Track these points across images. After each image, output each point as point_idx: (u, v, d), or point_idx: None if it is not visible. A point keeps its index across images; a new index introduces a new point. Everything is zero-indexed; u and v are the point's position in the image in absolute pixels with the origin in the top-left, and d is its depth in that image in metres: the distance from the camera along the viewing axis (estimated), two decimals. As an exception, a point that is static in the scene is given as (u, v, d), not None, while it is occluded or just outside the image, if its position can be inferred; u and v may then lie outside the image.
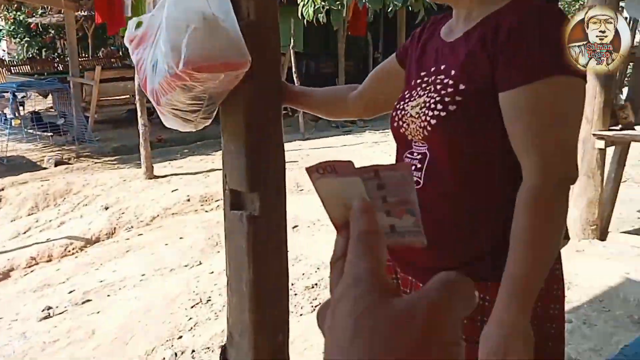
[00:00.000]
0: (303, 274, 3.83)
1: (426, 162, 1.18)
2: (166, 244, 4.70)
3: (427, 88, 1.20)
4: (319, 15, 8.10)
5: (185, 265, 4.21)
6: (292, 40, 8.85)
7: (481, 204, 1.16)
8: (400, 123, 1.25)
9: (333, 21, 8.46)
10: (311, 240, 4.52)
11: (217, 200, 5.69)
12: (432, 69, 1.22)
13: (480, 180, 1.15)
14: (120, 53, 18.33)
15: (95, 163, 7.58)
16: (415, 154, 1.22)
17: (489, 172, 1.15)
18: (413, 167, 1.20)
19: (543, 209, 1.05)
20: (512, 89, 1.06)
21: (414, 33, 1.40)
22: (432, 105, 1.15)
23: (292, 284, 3.72)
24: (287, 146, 5.81)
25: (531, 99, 1.04)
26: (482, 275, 1.14)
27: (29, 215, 5.71)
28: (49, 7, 14.52)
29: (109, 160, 7.73)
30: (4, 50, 20.45)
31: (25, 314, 3.66)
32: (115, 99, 9.98)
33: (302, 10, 8.12)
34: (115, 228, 5.23)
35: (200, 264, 4.24)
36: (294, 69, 8.68)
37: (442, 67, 1.19)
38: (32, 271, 4.46)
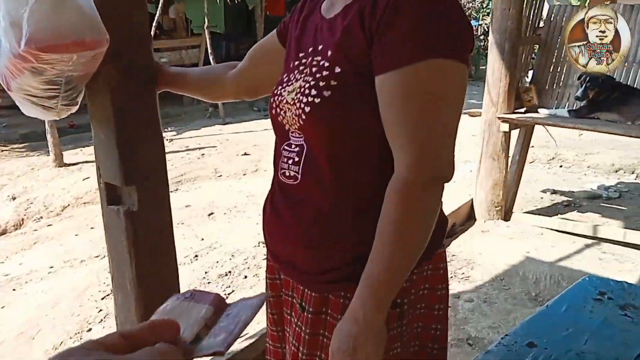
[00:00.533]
0: (217, 261, 3.85)
1: (304, 155, 1.07)
2: (76, 235, 4.58)
3: (304, 71, 1.08)
4: (235, -6, 7.95)
5: (96, 256, 4.13)
6: (206, 20, 8.64)
7: (363, 198, 1.06)
8: (278, 110, 1.12)
9: (248, 0, 8.33)
10: (227, 227, 4.54)
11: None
12: (310, 49, 1.10)
13: (360, 172, 1.05)
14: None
15: (2, 151, 7.20)
16: (293, 146, 1.10)
17: (368, 164, 1.04)
18: (291, 161, 1.09)
19: (409, 205, 0.96)
20: (385, 72, 0.95)
21: (295, 8, 1.25)
22: (307, 91, 1.03)
23: (206, 272, 3.74)
24: (207, 131, 5.87)
25: (404, 84, 0.93)
26: (358, 277, 1.05)
27: None
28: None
29: (16, 148, 7.36)
30: None
31: None
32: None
33: (215, -11, 7.95)
34: (23, 219, 5.03)
35: (113, 254, 4.17)
36: (210, 51, 8.51)
37: (320, 47, 1.07)
38: None
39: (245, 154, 6.89)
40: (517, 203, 4.65)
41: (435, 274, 1.14)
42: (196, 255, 4.02)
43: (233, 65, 1.43)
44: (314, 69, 1.05)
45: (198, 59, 9.76)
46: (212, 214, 4.88)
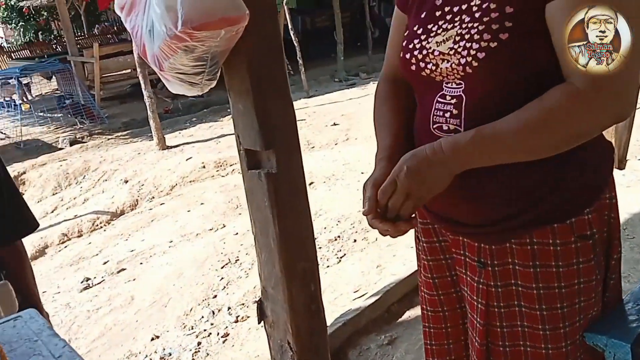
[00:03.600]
0: (325, 227, 4.00)
1: (463, 106, 1.02)
2: (188, 211, 4.88)
3: (457, 19, 1.02)
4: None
5: (210, 229, 4.40)
6: (283, -3, 8.75)
7: None
8: (423, 65, 1.06)
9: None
10: (329, 195, 4.68)
11: (231, 165, 5.84)
12: None
13: None
14: (115, 28, 18.23)
15: (108, 139, 7.73)
16: (447, 97, 1.04)
17: None
18: (448, 114, 1.04)
19: (571, 110, 0.90)
20: None
21: None
22: (477, 37, 0.97)
23: (316, 238, 3.88)
24: (294, 105, 5.80)
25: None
26: (544, 218, 1.03)
27: (54, 194, 5.90)
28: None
29: (120, 136, 7.88)
30: (2, 38, 20.36)
31: (66, 286, 3.88)
32: (118, 74, 10.04)
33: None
34: (137, 200, 5.41)
35: (224, 226, 4.43)
36: (290, 26, 8.60)
37: None
38: (65, 247, 4.68)
39: (334, 124, 6.99)
40: (631, 150, 4.46)
41: (613, 203, 1.11)
42: (302, 223, 4.18)
43: (394, 85, 1.28)
44: (476, 14, 0.98)
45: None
46: (312, 183, 5.03)
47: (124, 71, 9.91)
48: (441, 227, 1.19)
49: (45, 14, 19.02)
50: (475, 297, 1.14)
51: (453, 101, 1.03)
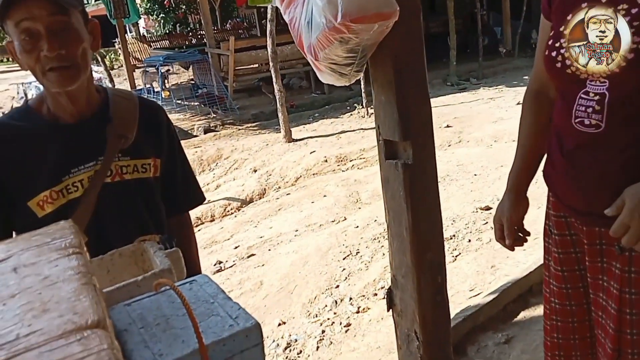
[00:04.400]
0: (441, 227, 4.06)
1: (606, 103, 1.08)
2: (312, 202, 5.13)
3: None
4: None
5: (332, 221, 4.61)
6: (397, 3, 8.85)
7: None
8: (568, 62, 1.13)
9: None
10: (444, 195, 4.69)
11: (351, 160, 6.04)
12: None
13: None
14: (245, 24, 19.17)
15: (239, 130, 8.24)
16: (591, 94, 1.11)
17: None
18: (590, 109, 1.11)
19: None
20: None
21: None
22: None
23: (434, 237, 3.98)
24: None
25: None
26: None
27: (189, 179, 6.43)
28: (180, -17, 15.45)
29: (250, 127, 8.36)
30: (143, 28, 22.05)
31: (201, 267, 4.25)
32: (248, 68, 10.60)
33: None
34: (265, 189, 5.77)
35: (345, 219, 4.62)
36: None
37: None
38: (199, 230, 5.10)
39: (448, 126, 6.99)
40: None
41: None
42: (422, 222, 4.27)
43: (539, 99, 1.38)
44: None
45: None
46: (430, 183, 5.09)
47: (254, 65, 10.44)
48: (577, 220, 1.25)
49: (183, 7, 20.34)
50: (612, 283, 1.19)
51: (596, 98, 1.09)
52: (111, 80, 6.15)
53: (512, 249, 1.45)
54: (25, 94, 8.21)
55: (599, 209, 1.13)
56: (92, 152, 1.33)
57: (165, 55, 10.68)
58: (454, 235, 3.93)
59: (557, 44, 1.15)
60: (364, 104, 7.69)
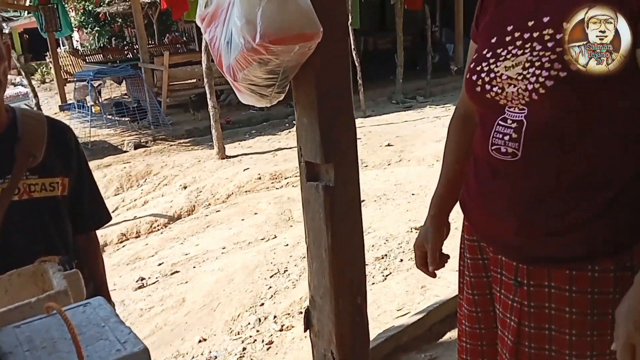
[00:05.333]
0: (372, 245, 4.04)
1: (524, 131, 1.05)
2: (242, 220, 5.02)
3: (527, 45, 1.05)
4: (375, -10, 8.08)
5: (262, 239, 4.51)
6: (350, 17, 8.90)
7: (594, 173, 1.04)
8: (488, 87, 1.10)
9: (389, -4, 8.40)
10: (379, 213, 4.72)
11: (286, 178, 5.97)
12: (530, 23, 1.06)
13: (595, 147, 1.03)
14: (184, 38, 18.93)
15: (171, 145, 8.03)
16: (509, 121, 1.08)
17: (607, 139, 1.03)
18: (507, 137, 1.08)
19: None
20: None
21: None
22: (547, 65, 1.00)
23: (363, 255, 3.95)
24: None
25: None
26: (589, 249, 1.06)
27: (116, 195, 6.18)
28: (116, -4, 15.15)
29: (183, 143, 8.17)
30: (77, 41, 21.43)
31: (122, 284, 4.06)
32: (184, 83, 10.41)
33: (356, -13, 8.14)
34: (194, 205, 5.60)
35: (275, 237, 4.53)
36: (353, 47, 8.74)
37: (546, 19, 1.04)
38: (123, 246, 4.89)
39: (389, 144, 7.05)
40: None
41: None
42: (352, 240, 4.24)
43: (463, 120, 1.35)
44: (548, 44, 1.01)
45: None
46: (363, 201, 5.08)
47: (190, 80, 10.26)
48: (486, 245, 1.24)
49: (120, 20, 19.91)
50: (508, 315, 1.17)
51: (514, 125, 1.06)
52: (35, 96, 5.84)
53: (434, 276, 1.44)
54: None
55: (506, 237, 1.13)
56: None
57: (96, 69, 10.37)
58: (385, 255, 3.91)
59: (479, 68, 1.12)
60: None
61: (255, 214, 5.10)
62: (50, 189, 1.41)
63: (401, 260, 3.79)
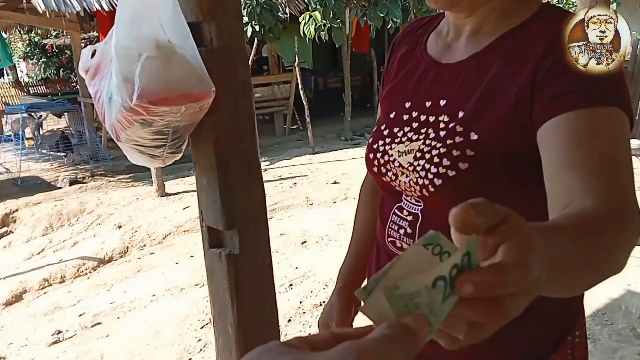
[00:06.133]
0: (311, 291, 3.81)
1: (418, 226, 0.94)
2: (177, 263, 4.71)
3: (424, 131, 0.94)
4: (321, 33, 8.14)
5: (196, 284, 4.22)
6: (297, 58, 8.95)
7: None
8: (383, 170, 1.00)
9: (335, 39, 8.50)
10: (320, 256, 4.50)
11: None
12: (427, 103, 0.95)
13: None
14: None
15: (110, 182, 7.65)
16: (405, 212, 0.97)
17: None
18: (402, 231, 0.97)
19: (618, 233, 0.73)
20: (563, 113, 0.81)
21: (393, 43, 1.12)
22: (436, 159, 0.89)
23: (301, 302, 3.71)
24: (297, 160, 5.90)
25: (592, 123, 0.80)
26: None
27: (43, 235, 5.76)
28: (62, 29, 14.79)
29: (122, 179, 7.79)
30: (22, 72, 20.79)
31: (35, 338, 3.67)
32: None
33: (303, 29, 8.19)
34: (127, 247, 5.25)
35: (210, 283, 4.24)
36: (300, 85, 8.79)
37: (443, 102, 0.93)
38: (44, 293, 4.49)
39: (335, 182, 6.89)
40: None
41: (579, 342, 1.00)
42: (291, 284, 4.00)
43: (372, 189, 1.21)
44: (441, 132, 0.90)
45: (289, 93, 10.14)
46: (305, 242, 4.87)
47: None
48: None
49: (68, 52, 19.45)
50: None
51: (409, 218, 0.96)
52: None
53: None
54: None
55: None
56: None
57: (29, 103, 9.91)
58: (323, 302, 3.68)
59: (375, 146, 1.00)
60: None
61: (192, 256, 4.80)
62: None
63: (341, 308, 3.56)
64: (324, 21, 8.08)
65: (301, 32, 8.28)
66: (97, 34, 13.87)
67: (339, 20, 8.24)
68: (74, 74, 19.64)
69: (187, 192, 6.68)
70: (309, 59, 13.02)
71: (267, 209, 1.46)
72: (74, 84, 17.78)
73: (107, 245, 5.28)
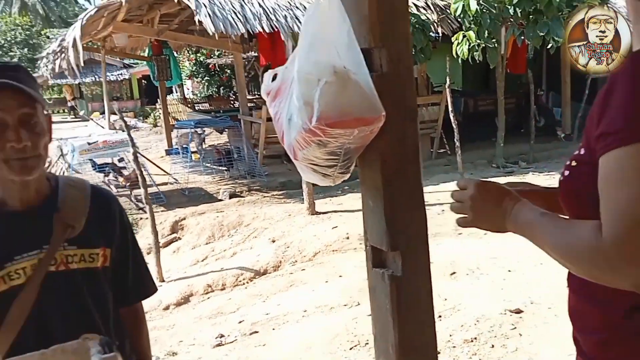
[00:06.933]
0: (462, 325, 3.76)
1: None
2: (326, 281, 4.89)
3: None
4: (475, 53, 7.96)
5: (345, 305, 4.36)
6: (447, 79, 8.81)
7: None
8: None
9: (490, 59, 8.26)
10: (470, 289, 4.43)
11: (375, 240, 5.81)
12: None
13: None
14: (287, 90, 19.56)
15: (264, 197, 8.14)
16: None
17: None
18: None
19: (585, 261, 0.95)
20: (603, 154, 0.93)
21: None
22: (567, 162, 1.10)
23: (450, 335, 3.68)
24: (445, 186, 5.82)
25: (615, 166, 0.92)
26: None
27: (207, 244, 6.30)
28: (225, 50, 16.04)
29: (276, 195, 8.25)
30: (188, 89, 22.81)
31: (201, 339, 4.03)
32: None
33: (456, 49, 8.08)
34: (280, 261, 5.57)
35: (359, 304, 4.35)
36: (450, 108, 8.62)
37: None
38: (207, 298, 4.91)
39: (487, 211, 6.71)
40: None
41: None
42: (440, 316, 3.98)
43: None
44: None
45: (437, 115, 10.04)
46: (454, 273, 4.82)
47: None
48: None
49: (228, 71, 21.01)
50: None
51: None
52: (133, 145, 6.24)
53: None
54: (61, 150, 8.51)
55: None
56: (37, 240, 1.34)
57: (197, 120, 10.90)
58: (475, 338, 3.61)
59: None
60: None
61: (340, 276, 4.96)
62: (89, 260, 1.41)
63: (492, 345, 3.48)
64: (478, 41, 7.92)
65: (453, 52, 8.20)
66: (254, 54, 14.91)
67: (494, 40, 8.03)
68: (232, 91, 21.24)
69: (335, 212, 6.92)
70: (459, 80, 12.79)
71: (428, 235, 1.48)
72: (233, 101, 19.20)
73: (263, 258, 5.64)
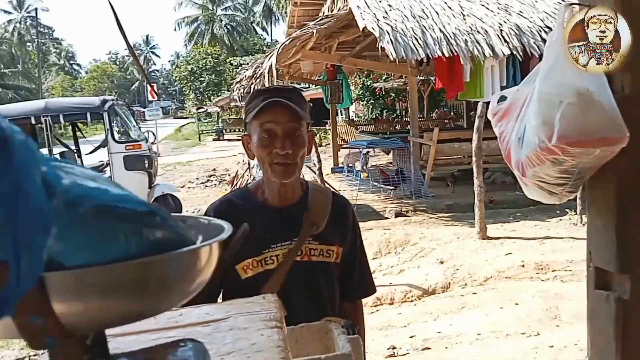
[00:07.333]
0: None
1: None
2: (501, 307, 4.69)
3: None
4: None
5: (522, 333, 4.14)
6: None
7: None
8: None
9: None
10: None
11: (554, 270, 5.46)
12: None
13: None
14: (452, 114, 19.31)
15: (430, 218, 8.07)
16: None
17: None
18: None
19: None
20: None
21: None
22: None
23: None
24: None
25: None
26: None
27: (374, 259, 6.36)
28: (393, 74, 16.27)
29: (442, 216, 8.14)
30: (353, 112, 23.48)
31: (373, 348, 4.07)
32: (448, 158, 10.48)
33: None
34: (450, 283, 5.45)
35: (538, 334, 4.12)
36: None
37: None
38: (377, 310, 4.96)
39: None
40: None
41: None
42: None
43: None
44: None
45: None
46: None
47: (456, 156, 10.29)
48: None
49: (393, 95, 21.29)
50: None
51: None
52: (319, 161, 6.71)
53: None
54: (249, 163, 9.55)
55: None
56: (289, 233, 1.59)
57: (369, 140, 11.21)
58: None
59: None
60: (578, 211, 6.90)
61: (516, 304, 4.73)
62: (326, 255, 1.61)
63: None
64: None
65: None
66: (420, 78, 14.93)
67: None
68: (395, 114, 21.46)
69: (509, 238, 6.64)
70: None
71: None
72: (396, 124, 19.39)
73: (431, 278, 5.56)
